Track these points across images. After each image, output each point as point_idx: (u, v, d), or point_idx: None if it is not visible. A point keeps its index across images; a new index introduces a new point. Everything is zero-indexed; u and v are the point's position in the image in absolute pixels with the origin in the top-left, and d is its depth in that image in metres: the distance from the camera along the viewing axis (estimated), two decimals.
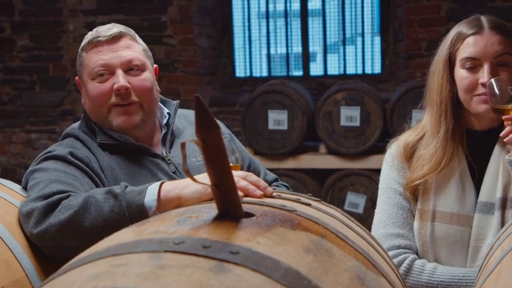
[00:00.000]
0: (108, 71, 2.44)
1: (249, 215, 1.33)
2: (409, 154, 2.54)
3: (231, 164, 2.31)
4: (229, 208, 1.30)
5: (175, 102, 2.69)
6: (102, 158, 2.43)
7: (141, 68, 2.51)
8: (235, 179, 2.15)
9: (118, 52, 2.47)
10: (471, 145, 2.48)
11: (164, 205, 2.03)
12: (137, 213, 2.03)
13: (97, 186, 2.32)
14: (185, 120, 2.73)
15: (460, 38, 2.43)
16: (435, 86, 2.49)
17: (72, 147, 2.44)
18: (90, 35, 2.51)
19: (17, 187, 2.46)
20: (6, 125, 6.93)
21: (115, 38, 2.49)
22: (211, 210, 1.33)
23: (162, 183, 2.06)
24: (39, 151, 6.64)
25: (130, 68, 2.48)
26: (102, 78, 2.45)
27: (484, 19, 2.43)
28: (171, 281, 1.02)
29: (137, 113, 2.46)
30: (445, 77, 2.46)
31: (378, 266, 1.42)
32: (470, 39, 2.40)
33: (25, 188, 2.37)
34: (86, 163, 2.36)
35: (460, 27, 2.46)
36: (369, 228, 2.10)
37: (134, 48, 2.54)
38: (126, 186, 2.15)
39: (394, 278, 1.51)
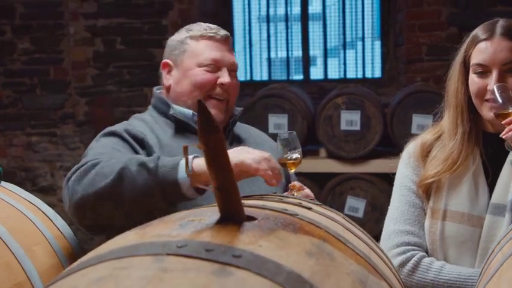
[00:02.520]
0: (216, 66, 2.70)
1: (251, 218, 1.33)
2: (425, 153, 2.56)
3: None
4: (232, 212, 1.30)
5: (240, 109, 2.99)
6: (163, 137, 2.63)
7: (236, 72, 2.84)
8: (257, 158, 2.30)
9: (227, 53, 2.76)
10: (487, 147, 2.50)
11: (196, 178, 2.19)
12: (171, 188, 2.20)
13: None
14: (244, 131, 3.02)
15: (474, 42, 2.45)
16: (452, 89, 2.52)
17: (131, 125, 2.64)
18: (200, 28, 2.75)
19: (18, 190, 2.47)
20: (6, 128, 6.92)
21: (227, 39, 2.77)
22: (213, 213, 1.33)
23: (194, 157, 2.20)
24: (40, 154, 6.74)
25: (232, 70, 2.77)
26: (209, 69, 2.68)
27: (499, 24, 2.44)
28: (174, 284, 1.02)
29: (223, 111, 2.75)
30: (460, 80, 2.49)
31: (379, 270, 1.42)
32: (481, 45, 2.42)
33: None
34: (141, 139, 2.53)
35: (476, 31, 2.48)
36: (369, 231, 2.11)
37: (234, 53, 2.83)
38: (159, 158, 2.28)
39: (395, 282, 1.52)
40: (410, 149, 2.62)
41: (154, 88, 2.91)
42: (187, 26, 2.82)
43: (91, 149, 2.51)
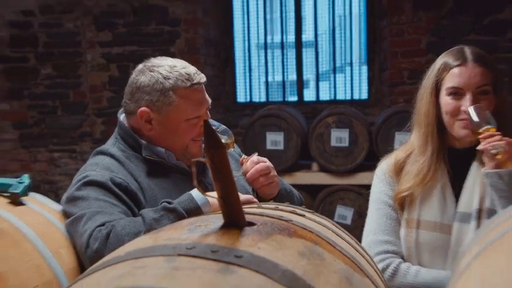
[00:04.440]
0: (201, 117, 2.46)
1: (251, 224, 1.35)
2: (399, 169, 2.57)
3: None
4: (234, 218, 1.31)
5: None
6: (142, 179, 2.42)
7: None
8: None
9: (206, 97, 2.50)
10: (452, 161, 2.51)
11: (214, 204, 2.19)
12: (194, 214, 2.10)
13: (131, 210, 2.31)
14: None
15: (446, 68, 2.45)
16: (423, 110, 2.52)
17: (109, 170, 2.39)
18: (180, 78, 2.43)
19: (45, 200, 2.48)
20: (31, 145, 6.92)
21: (203, 83, 2.50)
22: (217, 220, 1.35)
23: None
24: (61, 168, 6.72)
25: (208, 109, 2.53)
26: (196, 121, 2.46)
27: (468, 51, 2.46)
28: (184, 281, 1.04)
29: (201, 147, 2.50)
30: (431, 102, 2.49)
31: (364, 269, 1.44)
32: (455, 70, 2.43)
33: (65, 211, 2.36)
34: (124, 187, 2.34)
35: (446, 58, 2.48)
36: (356, 236, 2.12)
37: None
38: (168, 202, 2.22)
39: (378, 279, 1.53)
40: (384, 166, 2.63)
41: (120, 115, 2.60)
42: (159, 70, 2.44)
43: (81, 199, 2.29)
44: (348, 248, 1.51)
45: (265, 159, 2.59)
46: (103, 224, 2.17)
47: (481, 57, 2.46)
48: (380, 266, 2.44)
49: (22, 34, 6.85)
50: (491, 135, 2.32)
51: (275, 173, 2.59)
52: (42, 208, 2.37)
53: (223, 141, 2.51)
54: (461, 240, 2.40)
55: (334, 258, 1.35)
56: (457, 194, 2.48)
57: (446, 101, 2.46)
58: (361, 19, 6.86)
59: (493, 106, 2.43)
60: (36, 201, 2.42)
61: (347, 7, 6.82)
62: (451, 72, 2.44)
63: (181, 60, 2.53)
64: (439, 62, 2.51)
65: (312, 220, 1.60)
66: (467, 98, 2.40)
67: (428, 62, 2.62)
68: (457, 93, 2.42)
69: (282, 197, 2.66)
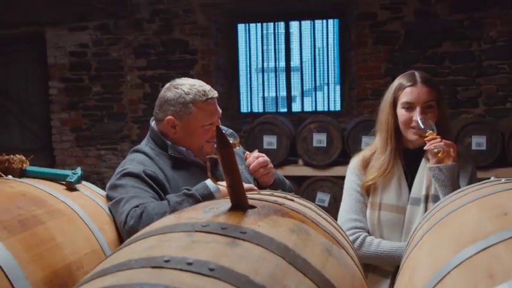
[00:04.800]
0: (214, 123, 2.41)
1: (253, 207, 1.33)
2: (365, 164, 2.55)
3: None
4: (239, 202, 1.30)
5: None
6: (168, 172, 2.38)
7: None
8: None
9: (218, 108, 2.44)
10: (406, 158, 2.50)
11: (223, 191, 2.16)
12: (207, 199, 2.08)
13: (159, 196, 2.28)
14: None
15: (401, 87, 2.45)
16: (384, 119, 2.51)
17: (143, 164, 2.36)
18: (198, 93, 2.39)
19: (93, 187, 2.48)
20: (84, 145, 6.93)
21: (216, 97, 2.45)
22: (226, 203, 1.33)
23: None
24: (106, 163, 6.72)
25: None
26: (210, 126, 2.42)
27: (417, 75, 2.46)
28: (201, 251, 1.03)
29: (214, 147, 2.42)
30: (390, 113, 2.48)
31: (340, 242, 1.42)
32: (408, 89, 2.42)
33: (108, 196, 2.35)
34: (154, 178, 2.31)
35: (401, 80, 2.48)
36: (332, 216, 2.11)
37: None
38: (188, 189, 2.21)
39: (351, 250, 1.51)
40: (354, 162, 2.61)
41: (151, 122, 2.54)
42: (182, 87, 2.42)
43: (120, 186, 2.28)
44: (328, 226, 1.49)
45: (263, 155, 2.58)
46: (137, 206, 2.16)
47: (427, 79, 2.46)
48: (351, 238, 2.42)
49: (79, 61, 6.87)
50: (434, 138, 2.35)
51: (271, 165, 2.59)
52: (91, 193, 2.36)
53: (230, 142, 2.51)
54: (413, 219, 2.40)
55: (317, 234, 1.33)
56: (409, 183, 2.47)
57: (401, 113, 2.45)
58: (335, 50, 6.86)
59: (436, 117, 2.44)
60: (87, 188, 2.41)
61: (324, 40, 6.83)
62: (404, 90, 2.44)
63: (199, 80, 2.51)
64: (396, 82, 2.51)
65: (299, 204, 1.58)
66: (417, 111, 2.40)
67: (386, 83, 2.63)
68: (409, 107, 2.42)
69: (277, 184, 2.64)
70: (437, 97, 2.45)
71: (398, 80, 2.50)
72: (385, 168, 2.47)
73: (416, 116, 2.39)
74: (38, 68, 7.05)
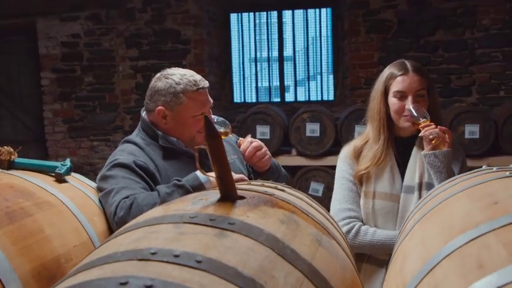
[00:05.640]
0: (204, 113, 2.37)
1: (242, 197, 1.31)
2: (357, 154, 2.55)
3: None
4: (228, 193, 1.28)
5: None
6: (159, 162, 2.36)
7: None
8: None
9: (209, 99, 2.42)
10: (399, 147, 2.50)
11: (212, 182, 2.11)
12: (198, 190, 2.04)
13: (150, 186, 2.26)
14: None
15: (392, 76, 2.45)
16: (375, 108, 2.51)
17: (133, 154, 2.32)
18: (189, 83, 2.36)
19: (83, 178, 2.45)
20: (77, 136, 6.91)
21: (207, 87, 2.42)
22: (215, 194, 1.31)
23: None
24: (99, 154, 6.71)
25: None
26: (200, 117, 2.38)
27: (408, 64, 2.46)
28: (188, 242, 1.02)
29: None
30: (382, 102, 2.48)
31: (331, 232, 1.41)
32: (399, 78, 2.42)
33: (99, 187, 2.33)
34: (145, 168, 2.28)
35: (392, 69, 2.48)
36: (326, 205, 2.10)
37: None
38: (178, 180, 2.17)
39: (342, 241, 1.50)
40: (345, 151, 2.60)
41: (142, 112, 2.52)
42: (172, 77, 2.39)
43: (111, 177, 2.25)
44: (319, 216, 1.48)
45: (257, 140, 2.55)
46: (127, 197, 2.14)
47: (418, 68, 2.46)
48: (345, 228, 2.43)
49: (71, 52, 6.83)
50: (428, 125, 2.36)
51: (266, 149, 2.56)
52: (80, 185, 2.34)
53: (221, 130, 2.49)
54: (407, 206, 2.40)
55: (307, 224, 1.32)
56: (402, 171, 2.48)
57: (393, 102, 2.45)
58: (328, 39, 6.84)
59: (427, 105, 2.44)
60: (76, 180, 2.39)
61: (317, 30, 6.80)
62: (396, 79, 2.43)
63: (190, 70, 2.47)
64: (387, 71, 2.50)
65: (290, 194, 1.57)
66: (409, 99, 2.40)
67: (379, 72, 2.61)
68: (401, 96, 2.42)
69: (273, 170, 2.63)
70: (428, 85, 2.46)
71: (389, 69, 2.49)
72: (378, 157, 2.47)
73: (409, 104, 2.39)
74: (29, 59, 7.00)
